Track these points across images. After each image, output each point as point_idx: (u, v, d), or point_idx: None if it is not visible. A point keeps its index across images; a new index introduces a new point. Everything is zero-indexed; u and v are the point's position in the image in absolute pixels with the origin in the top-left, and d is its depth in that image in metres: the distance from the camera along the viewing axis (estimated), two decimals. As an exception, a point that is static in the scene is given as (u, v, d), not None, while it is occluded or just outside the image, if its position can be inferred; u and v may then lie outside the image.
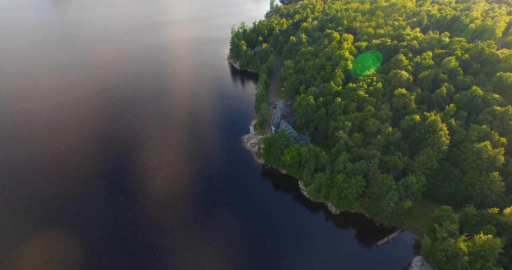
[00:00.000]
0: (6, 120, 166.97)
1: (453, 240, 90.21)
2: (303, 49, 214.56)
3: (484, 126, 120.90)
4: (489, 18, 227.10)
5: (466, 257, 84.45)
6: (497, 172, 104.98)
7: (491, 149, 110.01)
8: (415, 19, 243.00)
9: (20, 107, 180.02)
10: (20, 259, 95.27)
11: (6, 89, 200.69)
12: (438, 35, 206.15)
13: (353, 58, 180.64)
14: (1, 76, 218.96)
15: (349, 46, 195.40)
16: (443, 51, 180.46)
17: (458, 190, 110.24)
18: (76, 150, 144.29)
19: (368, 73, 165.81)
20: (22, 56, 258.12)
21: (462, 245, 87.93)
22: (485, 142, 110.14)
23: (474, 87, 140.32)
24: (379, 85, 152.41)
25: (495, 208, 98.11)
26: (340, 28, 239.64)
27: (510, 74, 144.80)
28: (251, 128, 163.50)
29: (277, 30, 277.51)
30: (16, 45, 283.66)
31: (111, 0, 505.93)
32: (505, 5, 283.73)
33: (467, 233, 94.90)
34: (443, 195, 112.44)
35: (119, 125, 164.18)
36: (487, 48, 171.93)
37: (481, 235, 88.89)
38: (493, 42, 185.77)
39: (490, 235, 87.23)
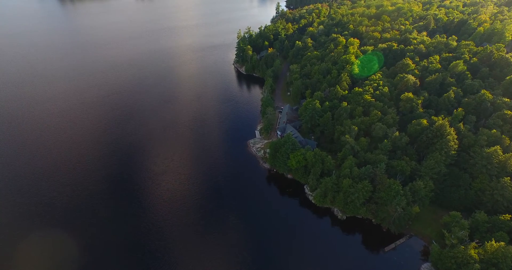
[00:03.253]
0: (13, 125, 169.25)
1: (463, 247, 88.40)
2: (309, 53, 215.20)
3: (494, 130, 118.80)
4: (498, 21, 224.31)
5: (477, 265, 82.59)
6: (509, 178, 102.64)
7: (501, 154, 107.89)
8: (422, 23, 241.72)
9: (27, 112, 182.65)
10: (24, 264, 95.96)
11: (13, 94, 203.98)
12: (445, 39, 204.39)
13: (359, 62, 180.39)
14: (8, 81, 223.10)
15: (355, 50, 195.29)
16: (451, 55, 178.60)
17: (468, 196, 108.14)
18: (81, 155, 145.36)
19: (374, 77, 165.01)
20: (29, 61, 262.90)
21: (472, 252, 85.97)
22: (495, 147, 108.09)
23: (483, 91, 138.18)
24: (386, 89, 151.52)
25: (507, 215, 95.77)
26: (346, 32, 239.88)
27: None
28: (257, 133, 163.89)
29: (282, 35, 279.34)
30: (23, 51, 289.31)
31: (118, 6, 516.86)
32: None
33: (477, 240, 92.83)
34: (452, 201, 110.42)
35: (124, 130, 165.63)
36: (496, 52, 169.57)
37: (493, 242, 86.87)
38: (502, 45, 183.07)
39: (502, 243, 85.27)
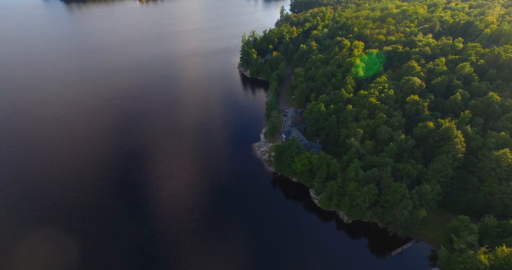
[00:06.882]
0: (17, 130, 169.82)
1: (472, 252, 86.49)
2: (314, 56, 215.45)
3: (503, 133, 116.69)
4: (505, 22, 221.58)
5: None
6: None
7: (511, 156, 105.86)
8: (427, 25, 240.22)
9: (30, 116, 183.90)
10: (27, 268, 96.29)
11: (17, 99, 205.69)
12: (451, 41, 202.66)
13: (363, 65, 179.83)
14: (12, 86, 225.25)
15: (359, 53, 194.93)
16: (457, 57, 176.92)
17: (476, 199, 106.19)
18: (84, 159, 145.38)
19: (379, 80, 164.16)
20: (34, 67, 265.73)
21: (482, 257, 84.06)
22: (504, 150, 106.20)
23: (490, 93, 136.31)
24: (391, 92, 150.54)
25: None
26: (351, 35, 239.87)
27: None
28: (262, 136, 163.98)
29: (287, 38, 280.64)
30: (28, 55, 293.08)
31: (123, 10, 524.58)
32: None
33: (487, 245, 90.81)
34: (460, 204, 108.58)
35: (129, 135, 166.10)
36: (504, 53, 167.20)
37: (504, 247, 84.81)
38: (510, 46, 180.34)
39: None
